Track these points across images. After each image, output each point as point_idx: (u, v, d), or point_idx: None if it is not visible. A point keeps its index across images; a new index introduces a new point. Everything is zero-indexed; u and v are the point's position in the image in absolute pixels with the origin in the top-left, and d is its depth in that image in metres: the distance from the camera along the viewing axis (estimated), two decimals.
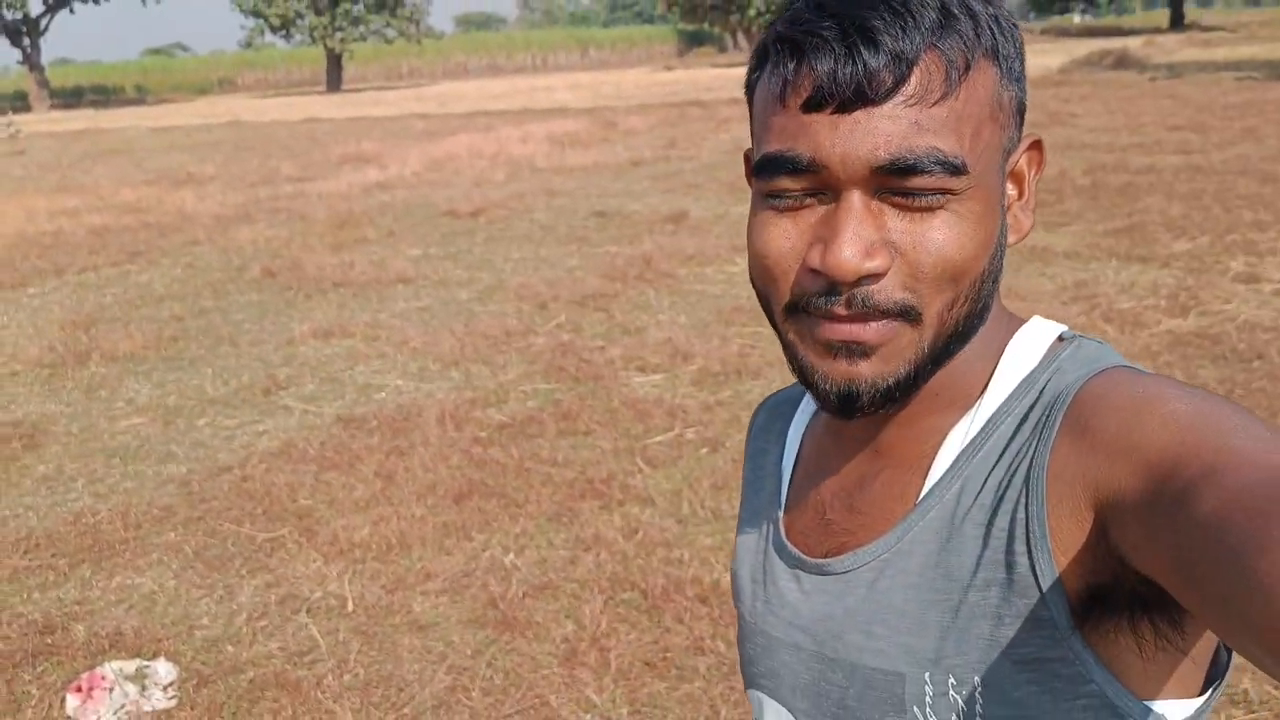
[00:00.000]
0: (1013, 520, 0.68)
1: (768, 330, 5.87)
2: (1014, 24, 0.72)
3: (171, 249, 10.12)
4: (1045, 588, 0.66)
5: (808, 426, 0.90)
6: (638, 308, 6.66)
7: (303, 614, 3.37)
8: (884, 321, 0.69)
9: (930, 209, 0.67)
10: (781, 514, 0.87)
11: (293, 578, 3.60)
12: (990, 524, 0.69)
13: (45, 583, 3.72)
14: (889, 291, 0.68)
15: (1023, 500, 0.67)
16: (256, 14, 48.05)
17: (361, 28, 48.05)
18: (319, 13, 47.02)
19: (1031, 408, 0.71)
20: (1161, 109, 14.66)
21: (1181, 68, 21.51)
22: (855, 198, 0.67)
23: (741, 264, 7.55)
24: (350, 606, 3.38)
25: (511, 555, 3.61)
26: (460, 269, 8.28)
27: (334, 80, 48.42)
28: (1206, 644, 0.70)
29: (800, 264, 0.70)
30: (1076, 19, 65.73)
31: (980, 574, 0.69)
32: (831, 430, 0.84)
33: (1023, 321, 0.78)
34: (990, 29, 0.69)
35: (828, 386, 0.71)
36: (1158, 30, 41.91)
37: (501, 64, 63.79)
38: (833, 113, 0.66)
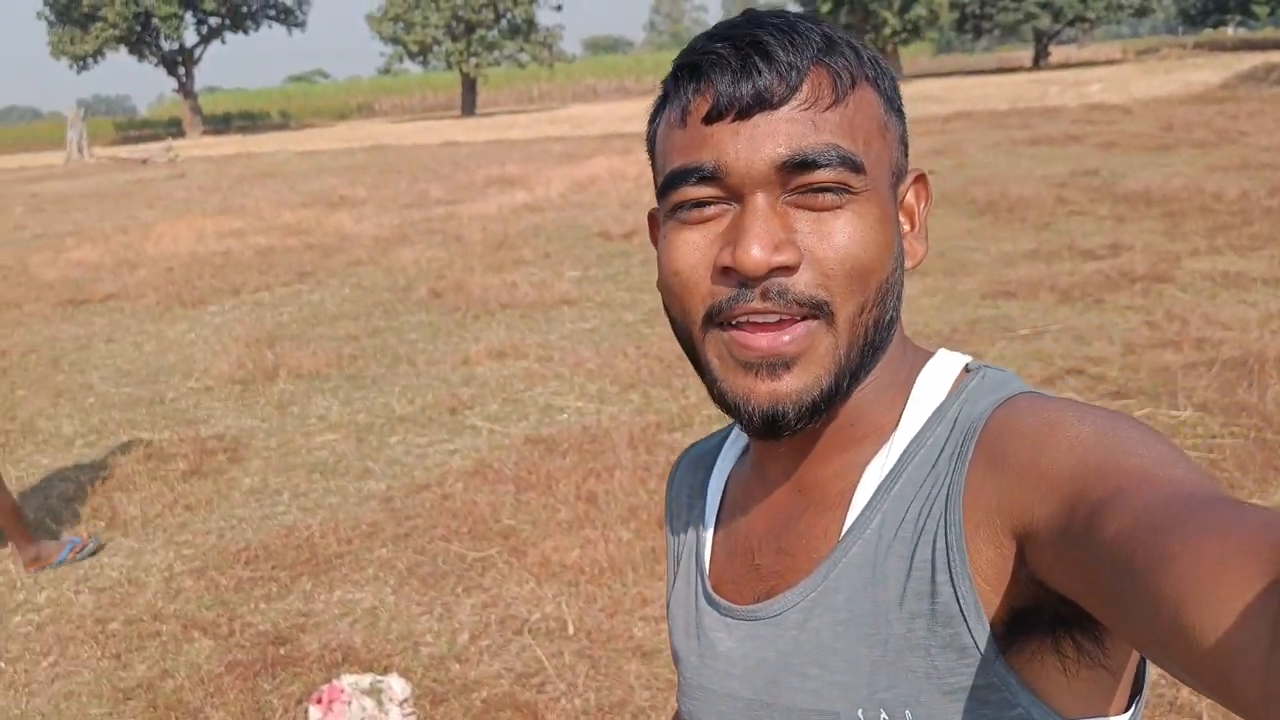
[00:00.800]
0: (933, 550, 0.68)
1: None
2: (890, 71, 0.77)
3: (337, 269, 10.48)
4: (968, 615, 0.67)
5: (731, 474, 0.90)
6: None
7: (524, 635, 3.39)
8: (801, 326, 0.70)
9: (833, 208, 0.70)
10: (709, 566, 0.87)
11: (508, 598, 3.63)
12: (912, 556, 0.70)
13: (269, 594, 3.84)
14: (802, 285, 0.69)
15: (941, 530, 0.68)
16: (395, 41, 49.71)
17: (496, 53, 49.24)
18: (455, 39, 48.38)
19: (946, 439, 0.72)
20: None
21: None
22: (760, 198, 0.70)
23: (911, 288, 7.40)
24: (571, 629, 3.38)
25: None
26: (622, 291, 8.34)
27: (468, 104, 49.72)
28: (1129, 658, 0.70)
29: (711, 270, 0.71)
30: (1230, 31, 62.86)
31: (905, 606, 0.70)
32: (756, 472, 0.85)
33: (929, 355, 0.80)
34: (870, 62, 0.75)
35: (751, 408, 0.71)
36: None
37: (630, 86, 64.47)
38: (733, 120, 0.70)
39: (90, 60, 53.10)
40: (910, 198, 0.78)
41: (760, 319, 0.70)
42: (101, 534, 4.55)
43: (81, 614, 3.83)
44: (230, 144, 38.36)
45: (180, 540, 4.41)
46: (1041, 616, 0.66)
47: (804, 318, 0.70)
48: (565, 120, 35.14)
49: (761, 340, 0.70)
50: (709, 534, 0.88)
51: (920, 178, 0.79)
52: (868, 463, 0.76)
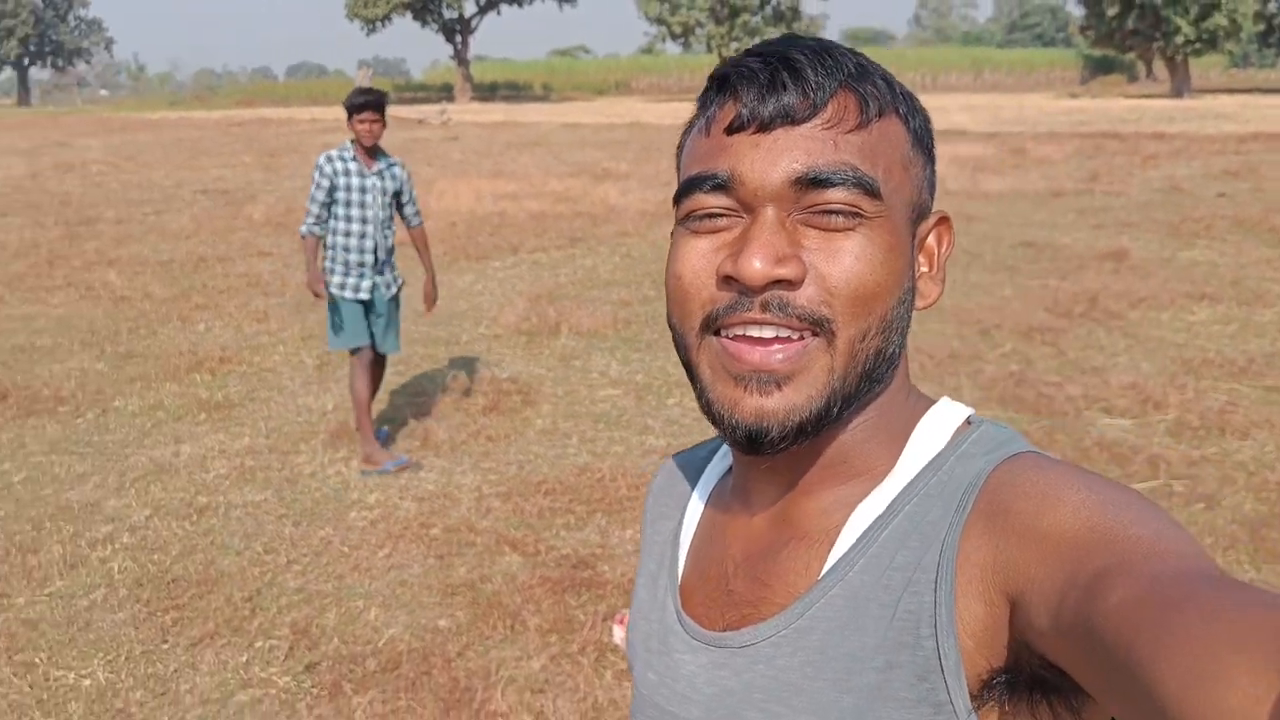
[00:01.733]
0: (920, 604, 0.67)
1: (1249, 389, 5.49)
2: (924, 111, 0.76)
3: (606, 238, 11.00)
4: (948, 673, 0.65)
5: (713, 491, 0.88)
6: (1089, 347, 6.44)
7: None
8: (798, 345, 0.69)
9: (844, 230, 0.69)
10: (679, 583, 0.85)
11: None
12: (896, 606, 0.68)
13: (569, 524, 4.22)
14: (804, 299, 0.68)
15: (931, 584, 0.67)
16: (660, 21, 50.80)
17: (758, 38, 49.42)
18: (718, 22, 48.96)
19: (940, 492, 0.71)
20: None
21: None
22: (770, 211, 0.69)
23: (1201, 313, 7.09)
24: None
25: None
26: None
27: None
28: None
29: (714, 278, 0.70)
30: None
31: (882, 655, 0.68)
32: (739, 495, 0.83)
33: (931, 402, 0.78)
34: (903, 98, 0.74)
35: (735, 421, 0.70)
36: None
37: None
38: (754, 132, 0.70)
39: (379, 24, 57.07)
40: (931, 240, 0.78)
41: (756, 332, 0.69)
42: (416, 452, 5.10)
43: (406, 518, 4.34)
44: (497, 111, 40.35)
45: (485, 467, 4.88)
46: (1021, 679, 0.65)
47: (802, 335, 0.69)
48: None
49: (754, 355, 0.69)
50: (684, 550, 0.87)
51: (943, 220, 0.79)
52: (857, 502, 0.74)
